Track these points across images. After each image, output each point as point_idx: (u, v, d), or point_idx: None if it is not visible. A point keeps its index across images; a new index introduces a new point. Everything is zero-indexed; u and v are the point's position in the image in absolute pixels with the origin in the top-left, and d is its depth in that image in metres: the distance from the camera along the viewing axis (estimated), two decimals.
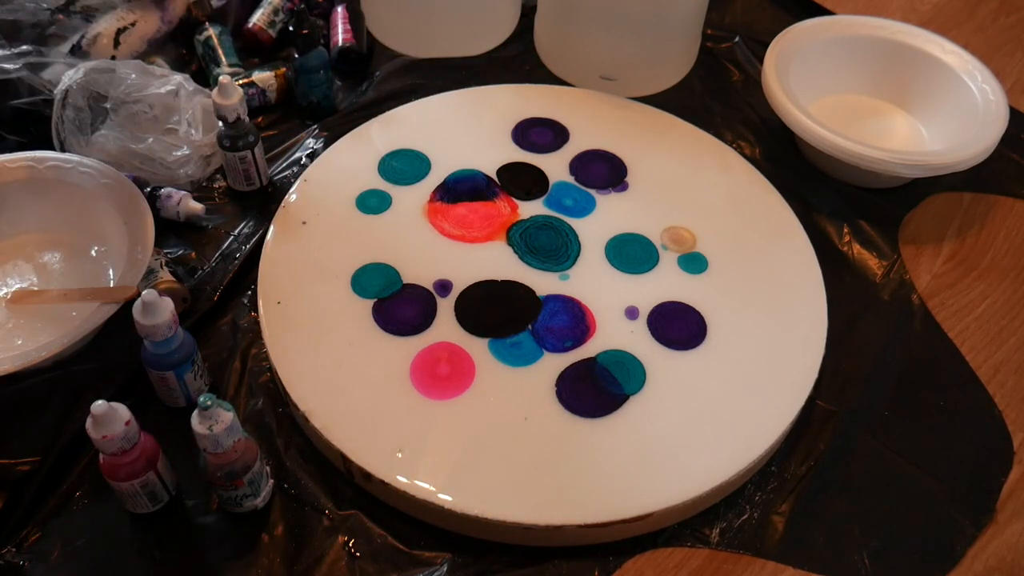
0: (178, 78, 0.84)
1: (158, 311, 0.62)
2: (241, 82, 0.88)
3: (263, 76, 0.89)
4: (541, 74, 0.96)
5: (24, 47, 0.84)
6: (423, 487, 0.63)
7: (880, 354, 0.75)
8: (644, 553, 0.64)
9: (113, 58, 0.88)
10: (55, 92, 0.80)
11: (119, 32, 0.90)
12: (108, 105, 0.82)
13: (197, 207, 0.80)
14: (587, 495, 0.63)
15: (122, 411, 0.57)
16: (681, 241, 0.79)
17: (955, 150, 0.82)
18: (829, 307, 0.75)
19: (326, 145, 0.86)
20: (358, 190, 0.81)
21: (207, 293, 0.75)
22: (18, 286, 0.74)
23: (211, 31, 0.92)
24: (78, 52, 0.87)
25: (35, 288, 0.74)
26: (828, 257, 0.80)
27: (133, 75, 0.83)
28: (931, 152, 0.85)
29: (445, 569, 0.62)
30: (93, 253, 0.77)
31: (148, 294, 0.61)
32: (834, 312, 0.75)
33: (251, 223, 0.81)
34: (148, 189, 0.79)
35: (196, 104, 0.83)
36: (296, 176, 0.83)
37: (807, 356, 0.71)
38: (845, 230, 0.83)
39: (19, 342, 0.71)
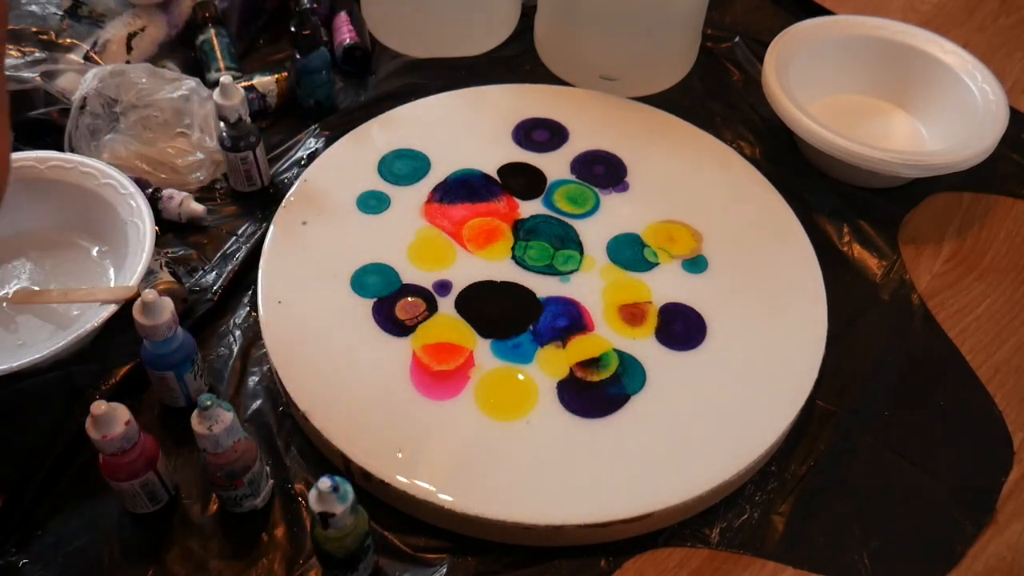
0: (191, 83, 0.84)
1: (158, 311, 0.62)
2: (241, 85, 0.88)
3: (264, 80, 0.89)
4: (541, 74, 0.96)
5: (38, 54, 0.84)
6: (423, 487, 0.63)
7: (880, 354, 0.75)
8: (644, 553, 0.64)
9: (127, 63, 0.88)
10: (73, 99, 0.80)
11: (130, 37, 0.90)
12: (118, 110, 0.82)
13: (199, 208, 0.80)
14: (587, 495, 0.63)
15: (122, 411, 0.58)
16: (681, 241, 0.79)
17: (955, 150, 0.82)
18: (829, 307, 0.75)
19: (327, 145, 0.86)
20: (358, 190, 0.81)
21: (207, 293, 0.75)
22: (18, 286, 0.74)
23: (211, 33, 0.92)
24: (90, 59, 0.87)
25: (35, 288, 0.74)
26: (828, 257, 0.80)
27: (144, 79, 0.83)
28: (931, 152, 0.85)
29: (445, 569, 0.63)
30: (94, 253, 0.77)
31: (148, 294, 0.61)
32: (834, 312, 0.75)
33: (252, 223, 0.81)
34: (149, 190, 0.79)
35: (208, 109, 0.83)
36: (297, 176, 0.83)
37: (807, 356, 0.71)
38: (845, 230, 0.83)
39: (19, 342, 0.71)
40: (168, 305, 0.63)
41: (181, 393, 0.68)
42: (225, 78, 0.76)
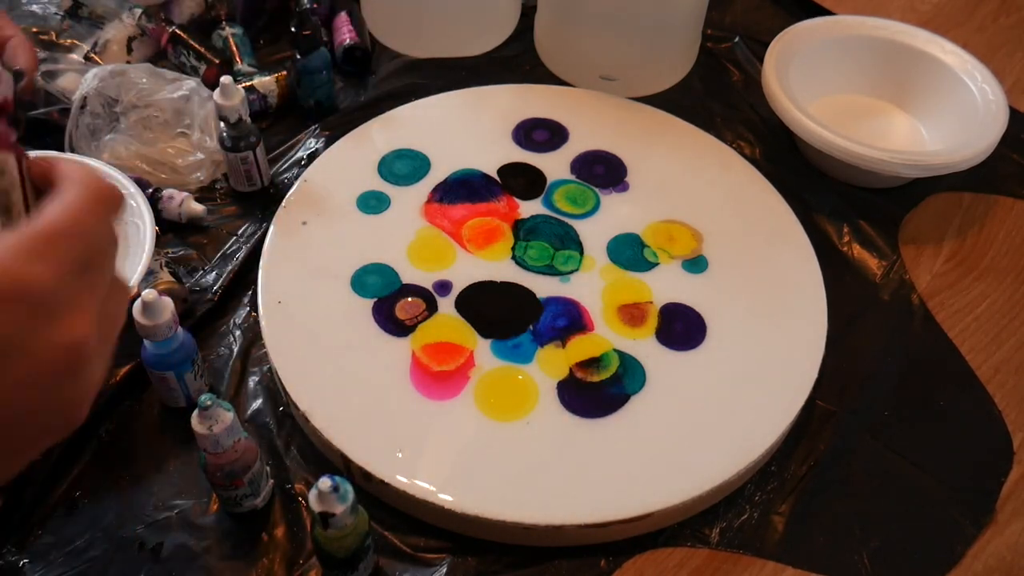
0: (191, 83, 0.84)
1: (158, 311, 0.62)
2: (241, 85, 0.88)
3: (264, 81, 0.89)
4: (541, 74, 0.96)
5: (40, 55, 0.84)
6: (423, 487, 0.63)
7: (880, 354, 0.75)
8: (644, 553, 0.64)
9: (128, 63, 0.88)
10: (73, 98, 0.81)
11: (130, 39, 0.90)
12: (118, 110, 0.82)
13: (199, 208, 0.80)
14: (587, 495, 0.63)
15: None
16: (681, 241, 0.79)
17: (955, 150, 0.82)
18: (829, 307, 0.75)
19: (327, 145, 0.86)
20: (358, 190, 0.81)
21: (207, 293, 0.75)
22: None
23: (228, 31, 0.91)
24: (90, 59, 0.87)
25: None
26: (828, 257, 0.80)
27: (144, 79, 0.83)
28: (931, 152, 0.85)
29: (445, 569, 0.63)
30: None
31: (148, 294, 0.61)
32: (834, 312, 0.75)
33: (252, 223, 0.81)
34: (150, 190, 0.79)
35: (208, 109, 0.83)
36: (297, 176, 0.83)
37: (807, 356, 0.71)
38: (845, 230, 0.83)
39: None
40: (168, 305, 0.63)
41: (181, 393, 0.68)
42: (225, 78, 0.76)
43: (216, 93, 0.77)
